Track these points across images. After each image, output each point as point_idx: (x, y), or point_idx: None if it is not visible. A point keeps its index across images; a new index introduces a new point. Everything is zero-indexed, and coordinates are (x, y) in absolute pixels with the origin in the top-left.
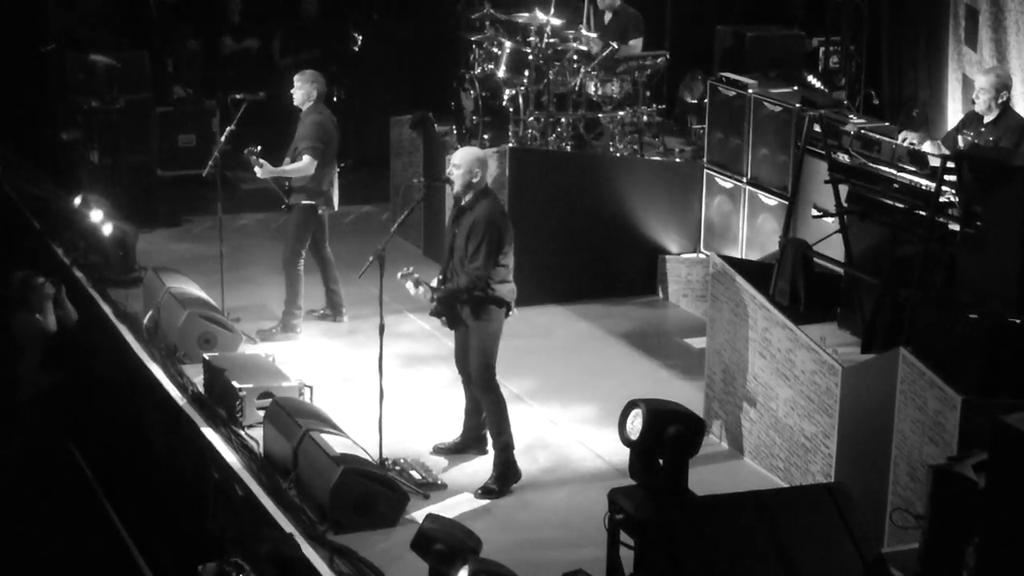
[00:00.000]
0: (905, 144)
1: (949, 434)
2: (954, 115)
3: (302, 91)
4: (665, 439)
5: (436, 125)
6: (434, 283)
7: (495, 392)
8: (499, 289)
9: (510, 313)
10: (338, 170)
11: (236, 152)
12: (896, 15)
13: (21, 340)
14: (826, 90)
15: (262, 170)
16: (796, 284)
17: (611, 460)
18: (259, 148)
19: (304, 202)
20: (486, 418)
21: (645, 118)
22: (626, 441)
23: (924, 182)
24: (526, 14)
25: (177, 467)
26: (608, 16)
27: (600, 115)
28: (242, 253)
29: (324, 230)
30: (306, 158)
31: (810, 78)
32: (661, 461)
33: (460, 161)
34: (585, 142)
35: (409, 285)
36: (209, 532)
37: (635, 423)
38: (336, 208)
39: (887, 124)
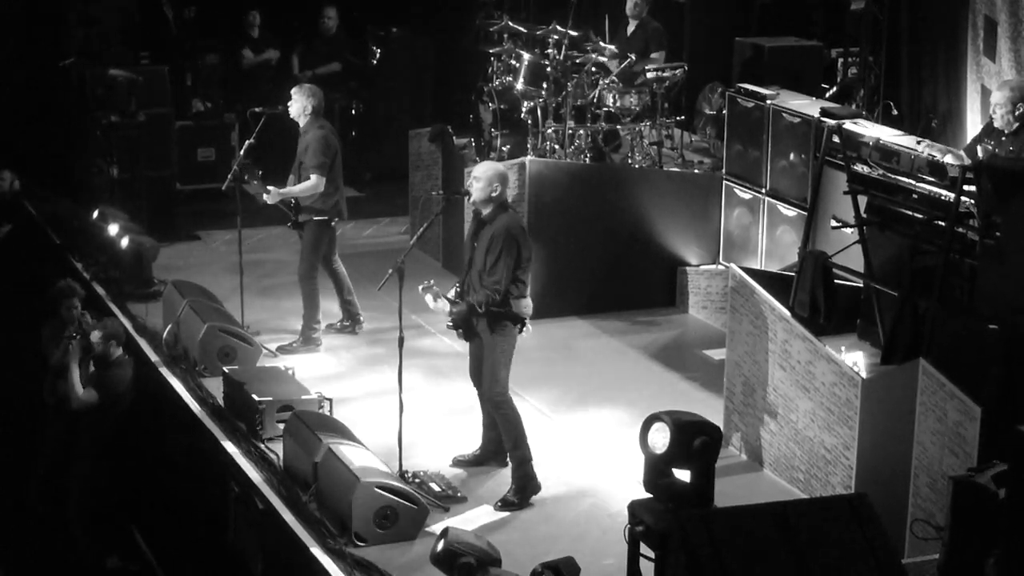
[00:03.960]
0: (926, 156)
1: (969, 445)
2: (973, 126)
3: (298, 104)
4: (693, 451)
5: (455, 138)
6: (451, 295)
7: (508, 407)
8: (515, 305)
9: (524, 329)
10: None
11: (255, 166)
12: (915, 26)
13: (47, 352)
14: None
15: (270, 196)
16: (816, 296)
17: (631, 472)
18: (260, 172)
19: (316, 218)
20: (502, 433)
21: (664, 130)
22: (649, 454)
23: (943, 193)
24: (544, 27)
25: (197, 480)
26: (631, 27)
27: (619, 127)
28: (261, 267)
29: (334, 243)
30: (314, 177)
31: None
32: (676, 472)
33: (481, 174)
34: (604, 154)
35: (428, 298)
36: (229, 546)
37: (658, 436)
38: (346, 218)
39: (906, 135)
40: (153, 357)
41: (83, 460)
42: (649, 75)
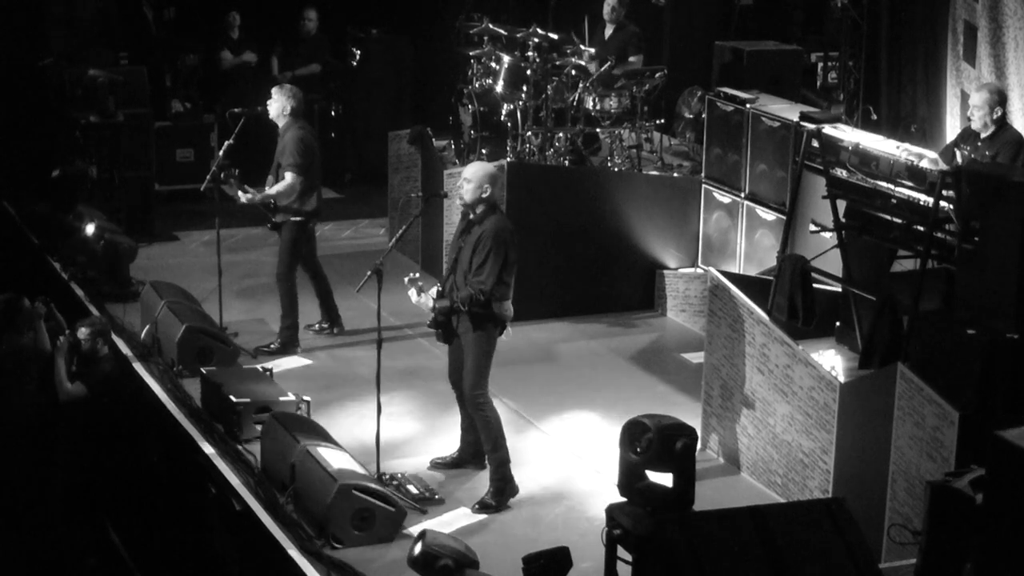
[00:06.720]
0: (903, 159)
1: (947, 450)
2: (952, 131)
3: (277, 104)
4: (675, 454)
5: (434, 140)
6: (433, 293)
7: (488, 409)
8: (498, 307)
9: (504, 332)
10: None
11: (234, 167)
12: (895, 31)
13: (11, 364)
14: (825, 103)
15: (247, 196)
16: (794, 299)
17: (608, 475)
18: (237, 171)
19: (293, 219)
20: (481, 435)
21: (643, 133)
22: (629, 459)
23: (922, 197)
24: (524, 29)
25: (174, 481)
26: (609, 31)
27: (598, 130)
28: (240, 268)
29: (313, 244)
30: (290, 176)
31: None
32: (652, 475)
33: (471, 175)
34: (583, 157)
35: (412, 292)
36: (207, 547)
37: (640, 440)
38: (322, 218)
39: (885, 139)
40: (130, 358)
41: (64, 456)
42: (629, 79)
